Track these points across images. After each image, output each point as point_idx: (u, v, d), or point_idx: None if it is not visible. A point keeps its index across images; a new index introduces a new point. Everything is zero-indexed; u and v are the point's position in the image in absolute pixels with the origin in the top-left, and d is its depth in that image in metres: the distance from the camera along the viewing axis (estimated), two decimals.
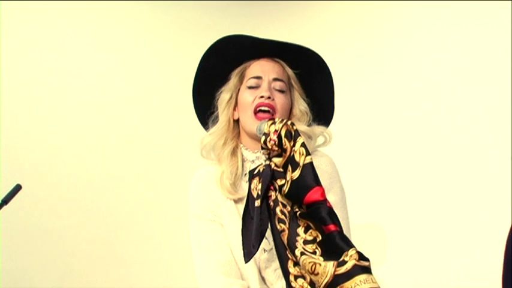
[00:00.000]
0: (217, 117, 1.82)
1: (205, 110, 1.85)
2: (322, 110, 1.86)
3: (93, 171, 2.90)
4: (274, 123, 1.55)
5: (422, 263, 2.63)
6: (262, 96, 1.73)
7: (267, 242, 1.64)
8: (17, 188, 1.68)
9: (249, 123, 1.74)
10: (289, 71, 1.81)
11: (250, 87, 1.76)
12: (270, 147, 1.54)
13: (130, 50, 3.11)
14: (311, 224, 1.46)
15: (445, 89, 2.67)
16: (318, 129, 1.79)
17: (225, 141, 1.78)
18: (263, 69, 1.78)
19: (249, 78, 1.77)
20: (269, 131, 1.55)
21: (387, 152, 2.82)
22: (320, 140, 1.81)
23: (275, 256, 1.56)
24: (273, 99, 1.74)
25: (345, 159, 2.76)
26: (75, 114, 2.90)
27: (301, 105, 1.80)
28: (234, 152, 1.78)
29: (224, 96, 1.80)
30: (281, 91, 1.77)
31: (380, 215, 2.80)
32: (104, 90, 3.00)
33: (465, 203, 2.54)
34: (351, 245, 1.40)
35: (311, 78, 1.84)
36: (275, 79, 1.77)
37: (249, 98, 1.75)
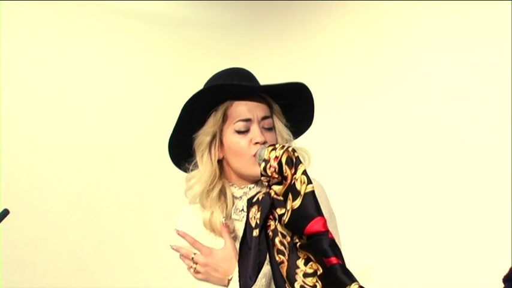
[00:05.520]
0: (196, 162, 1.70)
1: (182, 158, 1.73)
2: (299, 123, 1.77)
3: (90, 180, 2.96)
4: (274, 149, 1.49)
5: (422, 264, 2.63)
6: (256, 143, 1.63)
7: None
8: (5, 213, 1.62)
9: (249, 167, 1.64)
10: (273, 104, 1.71)
11: (239, 132, 1.64)
12: (269, 174, 1.48)
13: (129, 55, 3.15)
14: (311, 256, 1.40)
15: (445, 89, 2.67)
16: (300, 150, 1.71)
17: (211, 187, 1.67)
18: (250, 109, 1.65)
19: (237, 121, 1.64)
20: (269, 157, 1.48)
21: (387, 153, 2.84)
22: None
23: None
24: (267, 142, 1.64)
25: (346, 161, 2.76)
26: (72, 123, 2.95)
27: (283, 133, 1.71)
28: (220, 194, 1.69)
29: (204, 139, 1.67)
30: (269, 129, 1.67)
31: (380, 217, 2.80)
32: (100, 101, 3.05)
33: (465, 204, 2.55)
34: (353, 279, 1.33)
35: (294, 104, 1.74)
36: (263, 118, 1.66)
37: (241, 144, 1.64)
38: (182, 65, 3.23)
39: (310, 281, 1.38)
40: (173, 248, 1.65)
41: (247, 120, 1.65)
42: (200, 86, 1.75)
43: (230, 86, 1.63)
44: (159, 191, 3.07)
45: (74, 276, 2.84)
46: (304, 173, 1.43)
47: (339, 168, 2.91)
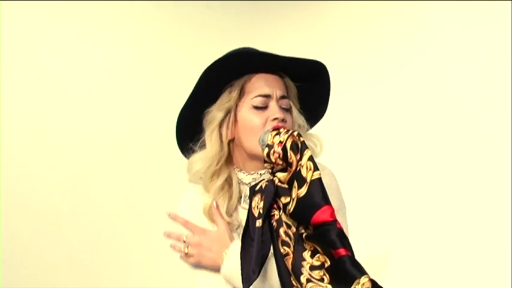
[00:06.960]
0: (203, 141, 1.61)
1: (189, 136, 1.64)
2: (313, 111, 1.69)
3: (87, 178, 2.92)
4: (278, 133, 1.41)
5: (423, 266, 2.59)
6: (275, 119, 1.53)
7: None
8: None
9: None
10: (291, 85, 1.63)
11: (256, 108, 1.55)
12: (273, 160, 1.40)
13: (130, 54, 3.10)
14: (318, 248, 1.33)
15: (444, 90, 2.65)
16: (311, 137, 1.63)
17: (216, 170, 1.58)
18: (270, 85, 1.57)
19: (256, 96, 1.55)
20: (273, 142, 1.41)
21: (386, 154, 2.80)
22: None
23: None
24: (286, 121, 1.55)
25: (357, 148, 2.80)
26: (72, 118, 2.90)
27: (298, 119, 1.63)
28: (225, 183, 1.60)
29: (216, 114, 1.58)
30: (287, 109, 1.59)
31: (380, 218, 2.76)
32: (97, 90, 3.00)
33: (466, 207, 2.52)
34: (363, 272, 1.27)
35: (310, 89, 1.67)
36: (282, 97, 1.58)
37: (256, 120, 1.54)
38: (188, 45, 3.19)
39: (317, 273, 1.31)
40: (165, 234, 1.56)
41: (267, 96, 1.56)
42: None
43: (254, 55, 1.55)
44: (157, 186, 3.03)
45: (74, 276, 2.82)
46: (311, 159, 1.35)
47: (351, 155, 2.85)
